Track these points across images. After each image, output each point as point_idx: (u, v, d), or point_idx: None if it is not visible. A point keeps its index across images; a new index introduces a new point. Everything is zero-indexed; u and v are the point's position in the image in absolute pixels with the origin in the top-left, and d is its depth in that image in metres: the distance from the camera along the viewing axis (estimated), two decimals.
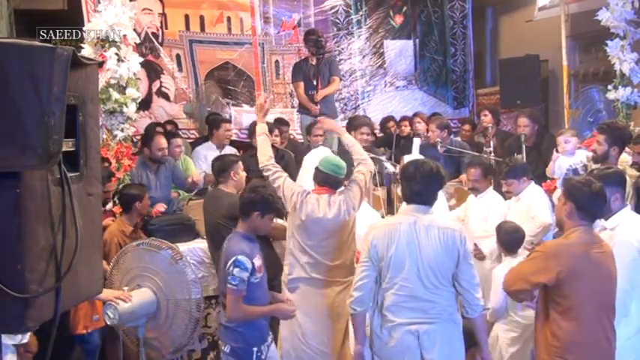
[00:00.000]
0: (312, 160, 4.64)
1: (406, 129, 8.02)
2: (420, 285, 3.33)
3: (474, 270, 3.47)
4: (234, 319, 3.63)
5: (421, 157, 4.86)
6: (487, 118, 7.21)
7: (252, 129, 6.22)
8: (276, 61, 9.22)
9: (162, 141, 5.77)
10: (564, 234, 3.37)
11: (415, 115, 8.30)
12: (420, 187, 3.40)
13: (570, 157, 5.46)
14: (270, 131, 6.22)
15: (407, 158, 4.85)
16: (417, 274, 3.33)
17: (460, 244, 3.37)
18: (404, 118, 8.37)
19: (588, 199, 3.26)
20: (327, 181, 4.16)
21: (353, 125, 6.52)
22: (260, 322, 3.74)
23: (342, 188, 4.23)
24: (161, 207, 5.34)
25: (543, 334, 3.32)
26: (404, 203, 3.63)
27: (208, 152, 6.54)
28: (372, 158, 5.74)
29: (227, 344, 3.67)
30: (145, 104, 7.91)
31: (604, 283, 3.27)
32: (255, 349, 3.66)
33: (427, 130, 6.96)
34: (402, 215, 3.49)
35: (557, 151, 5.58)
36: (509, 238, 4.33)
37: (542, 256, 3.31)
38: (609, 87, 6.94)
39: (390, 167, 5.82)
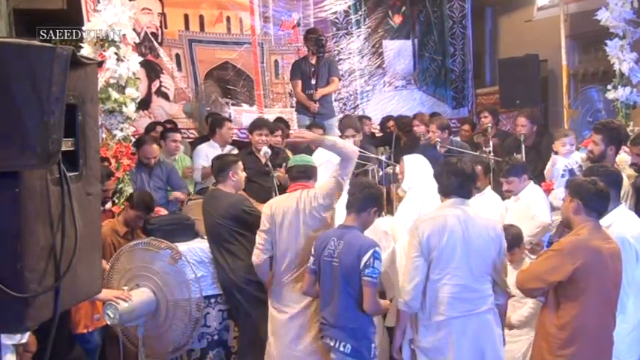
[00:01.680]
0: (320, 156, 4.68)
1: (419, 129, 7.90)
2: (470, 274, 3.45)
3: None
4: (373, 314, 3.68)
5: (422, 157, 4.85)
6: (487, 119, 7.21)
7: (251, 125, 6.23)
8: (276, 61, 9.22)
9: (150, 150, 5.80)
10: (573, 231, 3.44)
11: (414, 116, 8.27)
12: (463, 181, 3.58)
13: (567, 157, 5.46)
14: (272, 131, 6.27)
15: (407, 159, 4.84)
16: (468, 264, 3.44)
17: (501, 235, 3.60)
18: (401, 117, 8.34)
19: (594, 196, 3.36)
20: (292, 170, 4.25)
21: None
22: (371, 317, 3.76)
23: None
24: (163, 211, 5.35)
25: (550, 328, 3.38)
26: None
27: (211, 151, 6.54)
28: (369, 157, 5.80)
29: (347, 344, 3.61)
30: (144, 104, 7.91)
31: (613, 277, 3.35)
32: (373, 344, 3.69)
33: (427, 131, 6.95)
34: (446, 208, 3.57)
35: (555, 153, 5.58)
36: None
37: (558, 254, 3.36)
38: (609, 87, 6.95)
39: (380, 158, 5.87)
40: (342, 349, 3.61)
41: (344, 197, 4.15)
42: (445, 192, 3.64)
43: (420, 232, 3.47)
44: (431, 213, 3.65)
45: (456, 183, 3.56)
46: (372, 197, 3.76)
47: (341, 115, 8.11)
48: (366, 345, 3.63)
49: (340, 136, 6.49)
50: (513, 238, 4.28)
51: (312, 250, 3.82)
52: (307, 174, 4.24)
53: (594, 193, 3.36)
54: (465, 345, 3.43)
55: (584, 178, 3.59)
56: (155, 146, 5.87)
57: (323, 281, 3.74)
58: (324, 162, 4.58)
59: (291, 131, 8.02)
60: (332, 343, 3.65)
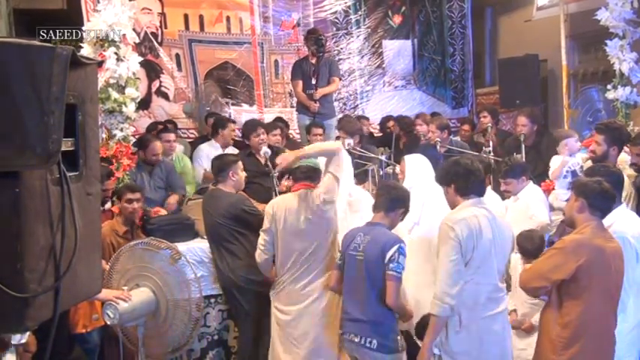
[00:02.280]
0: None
1: (421, 128, 7.90)
2: (496, 274, 3.50)
3: None
4: (396, 308, 3.67)
5: (423, 157, 4.85)
6: (487, 120, 7.21)
7: (245, 129, 6.23)
8: (276, 61, 9.22)
9: (157, 147, 5.82)
10: (577, 229, 3.45)
11: (417, 116, 8.26)
12: (481, 181, 3.60)
13: (572, 158, 5.43)
14: (268, 130, 6.27)
15: (407, 158, 4.84)
16: (496, 264, 3.49)
17: (513, 235, 3.74)
18: (402, 117, 8.32)
19: (598, 195, 3.39)
20: (296, 170, 4.30)
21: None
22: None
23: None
24: (163, 211, 5.34)
25: (554, 326, 3.39)
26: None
27: (211, 151, 6.54)
28: (369, 157, 5.79)
29: (372, 339, 3.63)
30: (144, 104, 7.92)
31: (615, 276, 3.37)
32: (398, 336, 3.70)
33: (428, 131, 6.94)
34: (472, 207, 3.50)
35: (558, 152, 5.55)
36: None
37: (560, 252, 3.37)
38: (608, 87, 6.95)
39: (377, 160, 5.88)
40: (368, 344, 3.63)
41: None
42: (463, 192, 3.57)
43: (458, 233, 3.36)
44: (459, 213, 3.51)
45: (475, 183, 3.56)
46: (401, 198, 3.86)
47: (341, 115, 8.12)
48: (392, 338, 3.66)
49: (338, 137, 6.52)
50: (542, 242, 4.22)
51: (340, 245, 3.92)
52: (310, 175, 4.27)
53: (599, 193, 3.39)
54: (492, 344, 3.47)
55: (589, 178, 3.60)
56: (159, 143, 5.88)
57: (347, 276, 3.79)
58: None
59: (290, 131, 8.05)
60: (357, 339, 3.67)
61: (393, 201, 3.83)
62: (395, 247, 3.59)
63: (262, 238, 4.23)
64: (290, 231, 4.11)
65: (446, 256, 3.39)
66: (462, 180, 3.56)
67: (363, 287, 3.68)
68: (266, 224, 4.21)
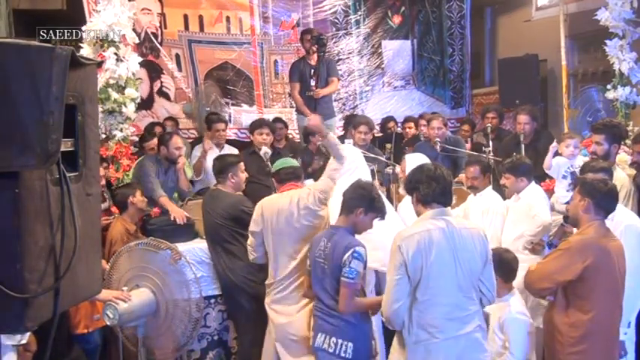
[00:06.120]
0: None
1: (410, 130, 7.98)
2: (459, 291, 3.18)
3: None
4: (347, 313, 3.50)
5: (423, 156, 4.84)
6: (495, 121, 7.19)
7: (251, 128, 6.21)
8: (275, 61, 9.22)
9: (178, 141, 5.62)
10: (580, 229, 3.49)
11: (421, 116, 8.25)
12: (445, 187, 3.29)
13: (570, 160, 5.39)
14: (273, 130, 6.27)
15: (408, 158, 4.83)
16: (456, 281, 3.17)
17: (486, 244, 3.30)
18: (408, 119, 8.33)
19: (605, 196, 3.43)
20: (279, 172, 4.31)
21: (352, 123, 6.56)
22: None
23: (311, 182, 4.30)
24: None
25: (561, 326, 3.41)
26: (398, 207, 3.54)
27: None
28: (371, 158, 5.79)
29: (349, 343, 3.50)
30: (146, 104, 7.94)
31: (619, 274, 3.40)
32: (373, 342, 3.65)
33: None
34: (428, 220, 3.25)
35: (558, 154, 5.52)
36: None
37: (566, 253, 3.38)
38: (608, 86, 6.95)
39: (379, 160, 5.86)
40: (343, 348, 3.53)
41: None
42: (425, 200, 3.29)
43: (403, 251, 3.13)
44: (412, 227, 3.31)
45: (438, 190, 3.26)
46: (358, 198, 3.59)
47: (340, 116, 8.10)
48: (366, 344, 3.59)
49: (344, 135, 6.50)
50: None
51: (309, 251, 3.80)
52: (295, 174, 4.30)
53: (605, 194, 3.42)
54: None
55: (594, 177, 3.62)
56: (180, 138, 5.75)
57: (314, 282, 3.68)
58: (354, 168, 4.56)
59: (289, 130, 8.05)
60: (334, 346, 3.55)
61: (350, 201, 3.61)
62: (349, 252, 3.43)
63: (250, 239, 4.24)
64: (283, 232, 4.08)
65: (389, 273, 3.24)
66: (423, 188, 3.28)
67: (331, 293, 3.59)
68: (253, 226, 4.19)
